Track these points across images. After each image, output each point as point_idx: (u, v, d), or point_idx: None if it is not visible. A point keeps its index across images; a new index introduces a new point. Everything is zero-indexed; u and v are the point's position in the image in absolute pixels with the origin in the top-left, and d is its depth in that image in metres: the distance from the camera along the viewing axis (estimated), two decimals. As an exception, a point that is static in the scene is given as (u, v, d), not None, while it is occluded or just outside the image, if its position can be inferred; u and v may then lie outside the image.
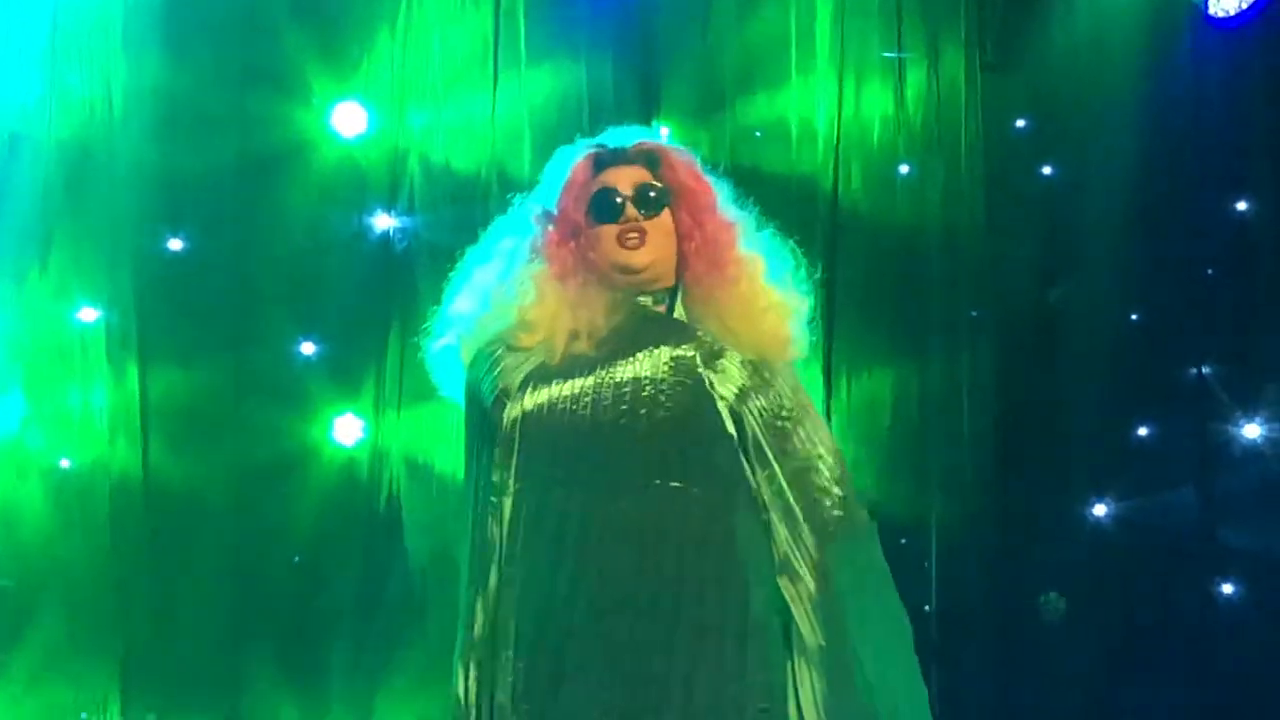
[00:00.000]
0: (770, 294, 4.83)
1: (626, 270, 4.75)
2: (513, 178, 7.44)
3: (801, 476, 4.73)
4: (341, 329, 7.67)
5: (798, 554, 4.66)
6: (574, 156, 4.93)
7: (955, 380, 8.28)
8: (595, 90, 7.78)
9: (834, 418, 7.87)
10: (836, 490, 4.74)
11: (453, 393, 4.96)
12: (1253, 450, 8.57)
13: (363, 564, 7.57)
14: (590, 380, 4.69)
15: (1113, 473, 8.53)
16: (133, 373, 7.31)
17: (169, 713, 7.31)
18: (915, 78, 8.24)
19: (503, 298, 4.83)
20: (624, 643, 4.57)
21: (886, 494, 8.05)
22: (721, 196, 4.86)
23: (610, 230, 4.73)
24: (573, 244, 4.79)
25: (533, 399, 4.70)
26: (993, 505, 8.26)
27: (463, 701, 4.75)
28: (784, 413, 4.78)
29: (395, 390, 7.55)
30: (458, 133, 7.72)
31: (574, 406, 4.70)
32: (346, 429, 7.59)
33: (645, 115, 7.81)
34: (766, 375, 4.79)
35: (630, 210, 4.75)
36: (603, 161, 4.84)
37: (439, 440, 7.45)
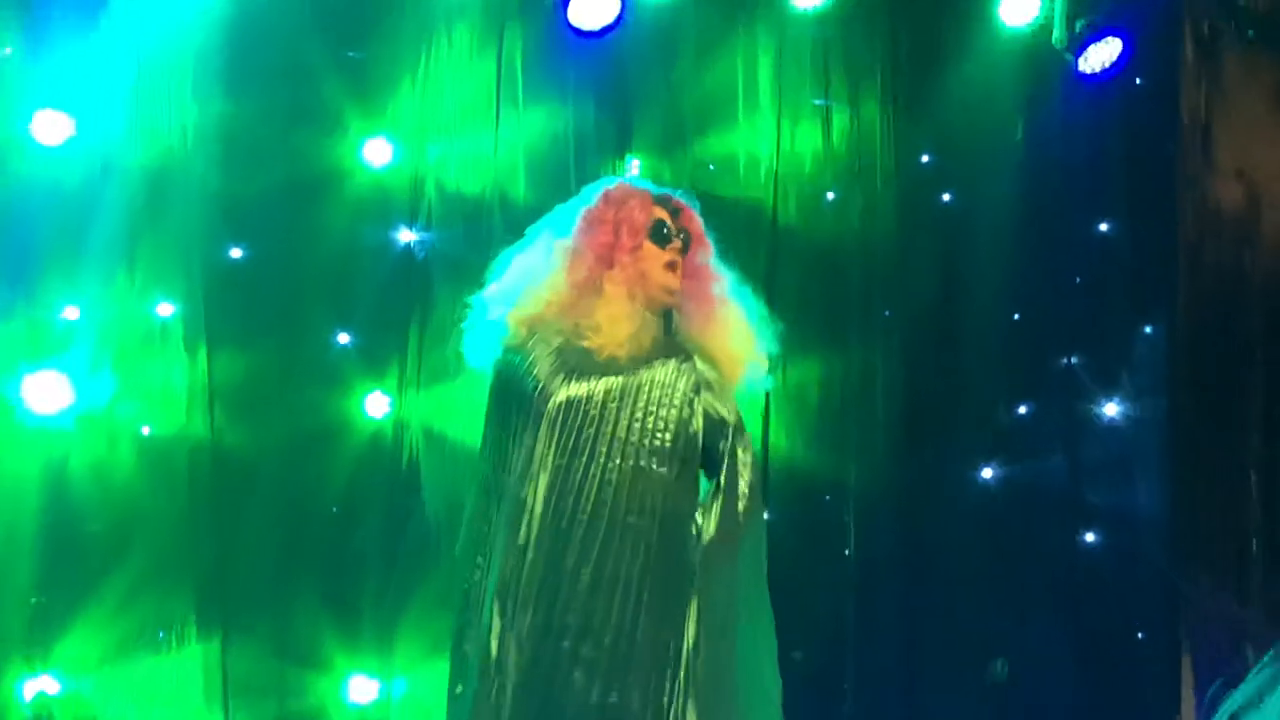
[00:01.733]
0: (744, 334, 5.08)
1: (668, 292, 5.02)
2: (511, 199, 7.62)
3: (733, 480, 5.00)
4: (371, 323, 7.67)
5: (717, 531, 4.91)
6: (631, 182, 5.22)
7: (871, 367, 8.29)
8: (579, 128, 7.81)
9: (773, 397, 7.89)
10: (748, 493, 5.01)
11: (480, 362, 5.10)
12: (1110, 425, 8.63)
13: (387, 514, 7.58)
14: (619, 381, 4.90)
15: (997, 443, 8.53)
16: (202, 356, 7.32)
17: (232, 632, 7.29)
18: (839, 121, 8.27)
19: (547, 286, 4.99)
20: (606, 609, 4.74)
21: (814, 459, 8.13)
22: (715, 252, 5.15)
23: (661, 255, 5.00)
24: (633, 255, 4.99)
25: (575, 389, 4.87)
26: (900, 469, 8.27)
27: (487, 640, 4.84)
28: (734, 432, 5.04)
29: (415, 373, 7.57)
30: (466, 162, 7.71)
31: (605, 400, 4.88)
32: (375, 404, 7.61)
33: (620, 150, 7.93)
34: (727, 398, 5.06)
35: (676, 243, 5.03)
36: (656, 198, 5.10)
37: (451, 414, 7.46)
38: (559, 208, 5.24)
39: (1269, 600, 8.20)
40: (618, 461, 4.87)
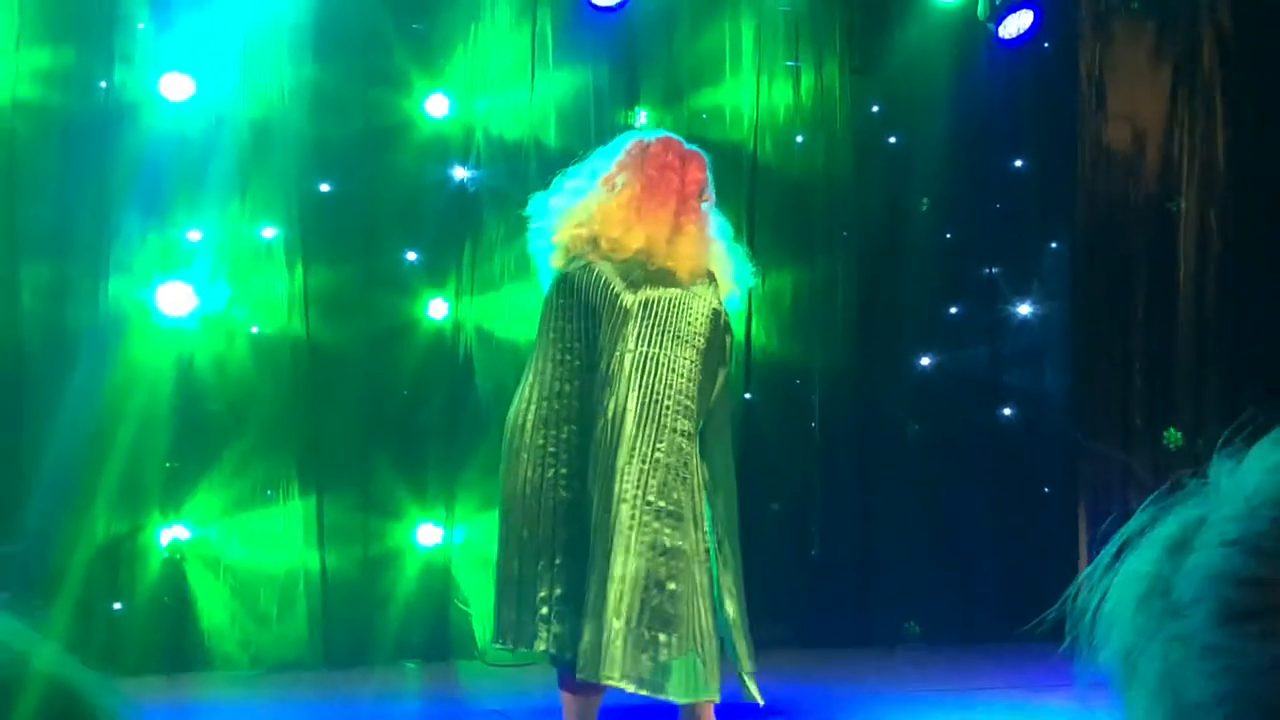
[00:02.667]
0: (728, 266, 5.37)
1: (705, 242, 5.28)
2: (544, 143, 7.77)
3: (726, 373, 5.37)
4: (432, 242, 7.84)
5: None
6: (680, 140, 5.45)
7: (833, 277, 8.40)
8: (598, 85, 7.93)
9: (754, 301, 7.94)
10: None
11: (539, 256, 5.33)
12: (1023, 322, 8.80)
13: (447, 396, 7.80)
14: (678, 291, 5.20)
15: (933, 337, 8.62)
16: (299, 270, 7.55)
17: (325, 489, 7.55)
18: (806, 78, 8.32)
19: (632, 215, 5.18)
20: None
21: (786, 350, 8.30)
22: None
23: (704, 213, 5.33)
24: (694, 210, 5.26)
25: (645, 294, 5.17)
26: (855, 358, 8.40)
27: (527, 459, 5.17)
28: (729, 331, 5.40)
29: (468, 283, 7.77)
30: (508, 114, 7.86)
31: (669, 300, 5.19)
32: (436, 308, 7.79)
33: (630, 102, 8.02)
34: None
35: (708, 196, 5.34)
36: (704, 164, 5.38)
37: (498, 317, 7.71)
38: (602, 149, 5.43)
39: (1148, 455, 8.36)
40: (674, 349, 5.13)
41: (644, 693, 4.90)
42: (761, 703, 5.13)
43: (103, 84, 7.32)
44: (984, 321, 8.76)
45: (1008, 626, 8.07)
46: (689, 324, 5.17)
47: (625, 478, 4.96)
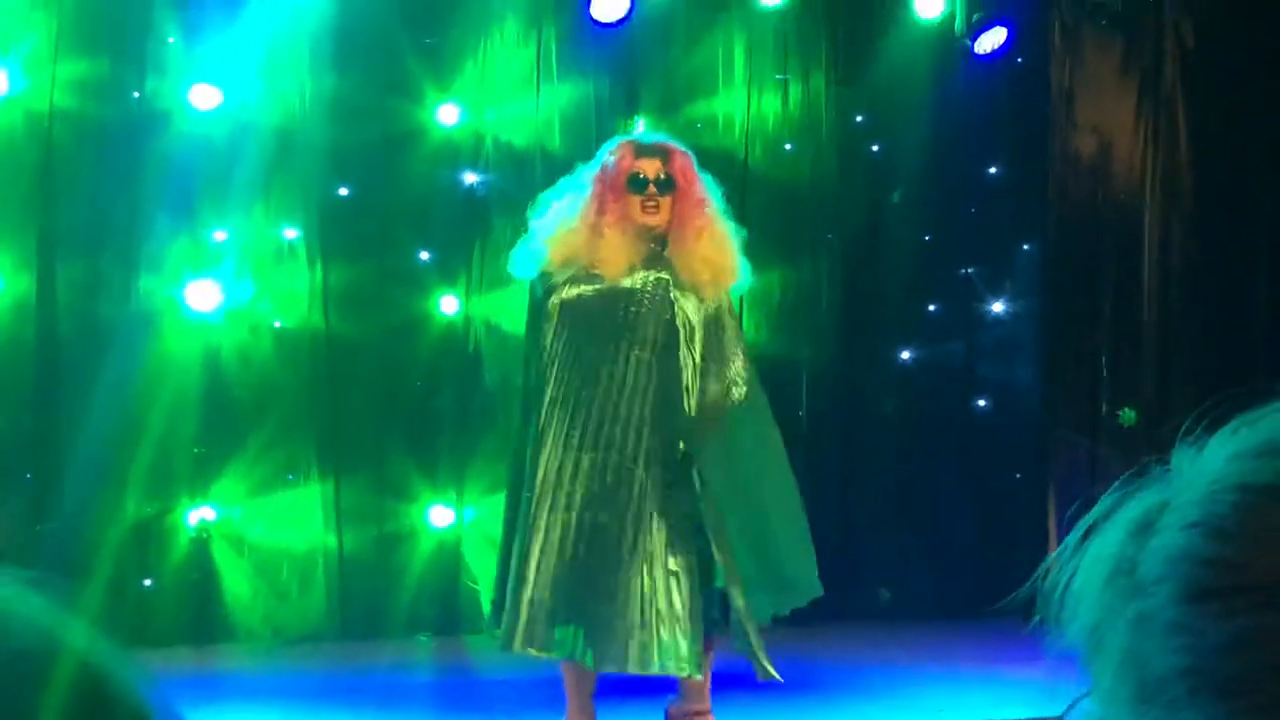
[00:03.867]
0: (726, 245, 5.22)
1: (649, 226, 5.10)
2: (549, 150, 7.71)
3: (722, 366, 5.15)
4: (444, 242, 7.83)
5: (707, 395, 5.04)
6: (622, 140, 5.32)
7: (818, 276, 8.38)
8: (599, 96, 7.91)
9: (745, 299, 7.40)
10: (742, 377, 5.18)
11: (524, 274, 5.23)
12: (997, 319, 8.79)
13: (458, 386, 7.77)
14: (606, 285, 5.05)
15: (913, 332, 8.61)
16: (318, 268, 7.55)
17: (343, 474, 7.55)
18: (795, 90, 8.29)
19: (567, 227, 5.10)
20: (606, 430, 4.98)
21: (775, 344, 8.17)
22: (702, 182, 5.23)
23: (637, 200, 5.08)
24: (617, 203, 5.07)
25: (570, 292, 5.05)
26: (840, 352, 8.38)
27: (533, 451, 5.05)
28: (719, 325, 5.16)
29: (478, 280, 7.75)
30: (515, 122, 7.85)
31: (595, 298, 5.04)
32: (448, 304, 7.79)
33: (630, 112, 7.96)
34: (714, 300, 5.16)
35: (651, 189, 5.09)
36: (639, 151, 5.14)
37: (504, 312, 7.57)
38: (581, 166, 5.32)
39: (1114, 442, 8.31)
40: (609, 348, 5.00)
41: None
42: (780, 680, 5.10)
43: (135, 94, 7.36)
44: (960, 318, 8.77)
45: (980, 602, 8.29)
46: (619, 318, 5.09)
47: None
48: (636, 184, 5.12)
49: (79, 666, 0.64)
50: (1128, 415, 8.18)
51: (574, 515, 4.95)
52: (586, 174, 5.23)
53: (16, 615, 0.66)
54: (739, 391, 5.16)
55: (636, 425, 4.96)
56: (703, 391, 5.09)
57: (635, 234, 5.09)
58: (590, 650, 4.89)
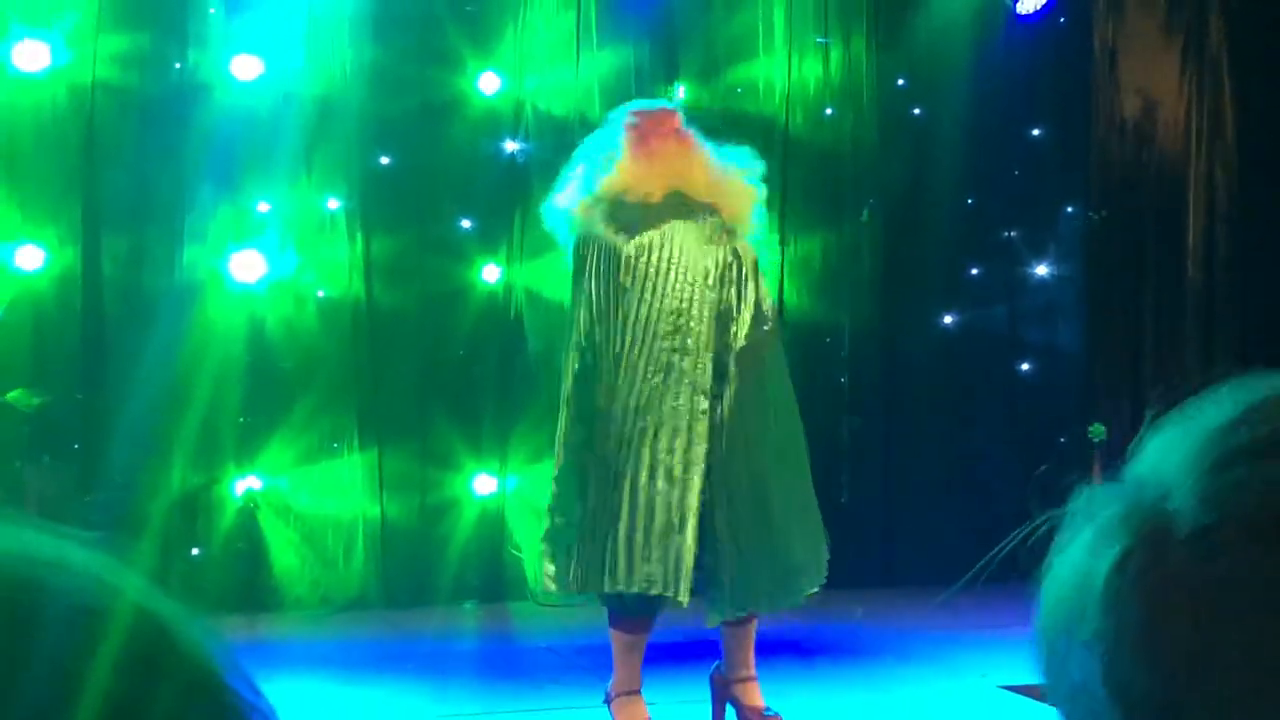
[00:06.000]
0: (734, 173, 5.19)
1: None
2: (589, 118, 7.48)
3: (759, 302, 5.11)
4: (485, 211, 7.87)
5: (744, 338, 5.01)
6: (638, 105, 5.37)
7: (858, 242, 8.37)
8: (639, 63, 7.95)
9: (786, 265, 8.02)
10: (769, 313, 5.16)
11: (559, 231, 5.19)
12: (1040, 282, 8.77)
13: (500, 354, 7.84)
14: (667, 226, 5.01)
15: (955, 296, 8.60)
16: (360, 238, 7.59)
17: (386, 442, 7.59)
18: (835, 54, 8.28)
19: (602, 168, 5.09)
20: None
21: (815, 310, 8.25)
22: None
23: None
24: (653, 140, 5.07)
25: (644, 239, 5.00)
26: (882, 317, 8.40)
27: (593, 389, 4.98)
28: (751, 271, 5.12)
29: (519, 249, 7.76)
30: (555, 90, 7.87)
31: (665, 244, 5.00)
32: (489, 273, 7.82)
33: (669, 79, 8.01)
34: (743, 241, 5.15)
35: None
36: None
37: (546, 279, 7.56)
38: (589, 138, 5.36)
39: (1159, 401, 8.62)
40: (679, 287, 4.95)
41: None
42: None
43: (177, 65, 7.41)
44: (1003, 282, 8.76)
45: (1025, 566, 8.38)
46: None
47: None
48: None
49: (139, 619, 0.65)
50: (1097, 430, 8.11)
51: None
52: (601, 139, 5.25)
53: (72, 570, 0.65)
54: (772, 327, 5.23)
55: (703, 357, 4.97)
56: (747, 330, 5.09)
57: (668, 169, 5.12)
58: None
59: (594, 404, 4.98)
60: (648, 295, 4.96)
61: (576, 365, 5.06)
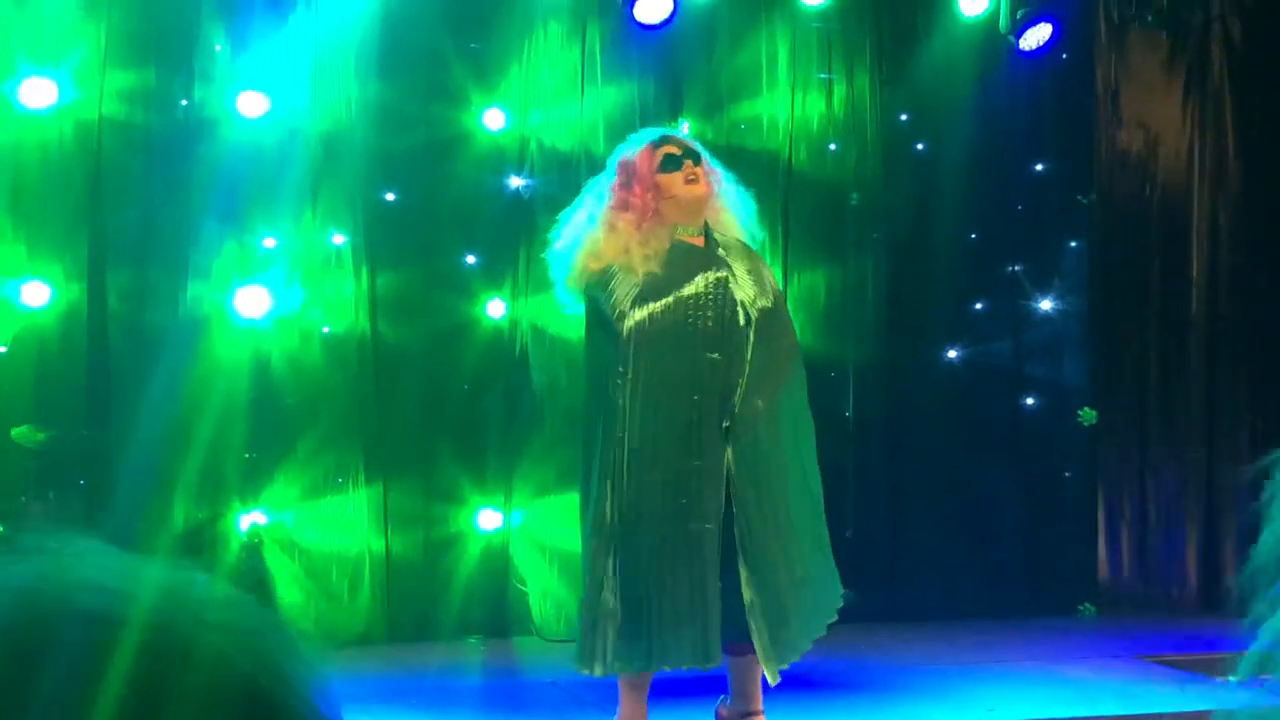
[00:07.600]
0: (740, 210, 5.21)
1: (698, 199, 5.02)
2: (593, 153, 7.63)
3: (780, 341, 5.11)
4: (490, 246, 7.82)
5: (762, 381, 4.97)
6: (635, 143, 5.17)
7: (863, 276, 8.36)
8: (643, 99, 7.92)
9: (790, 299, 7.59)
10: (791, 349, 5.19)
11: (560, 281, 5.15)
12: (1044, 316, 8.71)
13: (505, 389, 7.76)
14: (670, 299, 4.94)
15: (959, 331, 8.57)
16: (365, 274, 7.55)
17: (391, 477, 7.55)
18: (839, 89, 8.29)
19: (591, 233, 5.04)
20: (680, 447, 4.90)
21: (821, 345, 8.13)
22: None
23: (678, 176, 5.02)
24: (649, 195, 4.99)
25: (641, 313, 4.94)
26: (886, 351, 8.36)
27: (609, 496, 4.91)
28: (771, 305, 5.07)
29: (524, 284, 7.72)
30: (559, 126, 7.84)
31: (662, 315, 4.93)
32: (495, 308, 7.77)
33: (674, 114, 7.95)
34: (763, 275, 5.11)
35: (687, 162, 5.04)
36: (656, 144, 5.09)
37: (550, 316, 7.56)
38: (591, 181, 5.34)
39: (1164, 442, 8.41)
40: (686, 358, 4.90)
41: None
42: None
43: (183, 102, 7.38)
44: (1007, 316, 8.74)
45: (1028, 602, 8.30)
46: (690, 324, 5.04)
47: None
48: (672, 162, 5.07)
49: (149, 628, 0.66)
50: (1088, 414, 8.15)
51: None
52: (604, 184, 5.17)
53: (86, 577, 0.66)
54: (793, 367, 5.16)
55: (713, 420, 4.89)
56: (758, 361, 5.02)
57: (668, 223, 5.05)
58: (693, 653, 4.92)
59: (622, 471, 4.94)
60: (658, 349, 4.94)
61: (602, 431, 5.03)
